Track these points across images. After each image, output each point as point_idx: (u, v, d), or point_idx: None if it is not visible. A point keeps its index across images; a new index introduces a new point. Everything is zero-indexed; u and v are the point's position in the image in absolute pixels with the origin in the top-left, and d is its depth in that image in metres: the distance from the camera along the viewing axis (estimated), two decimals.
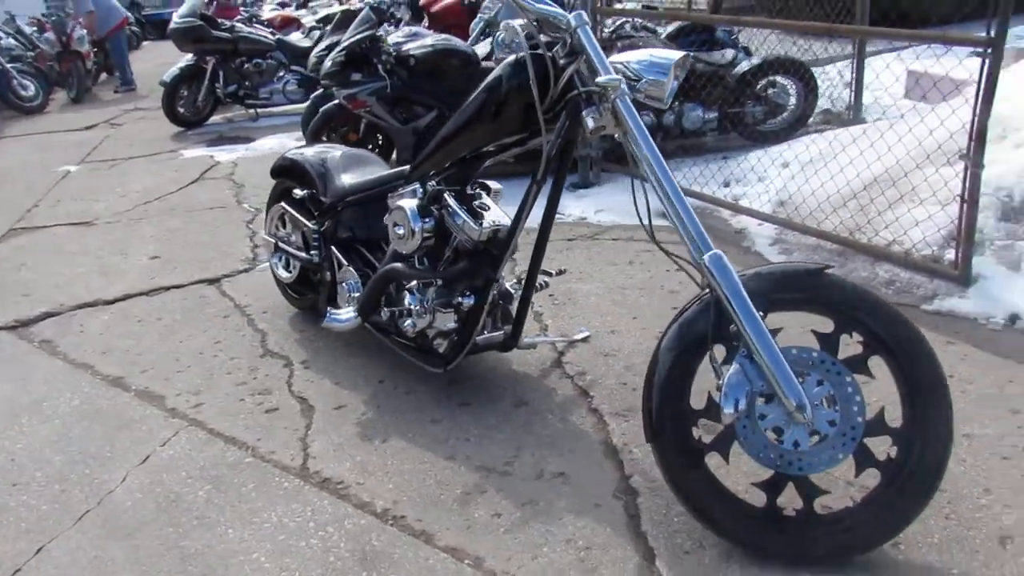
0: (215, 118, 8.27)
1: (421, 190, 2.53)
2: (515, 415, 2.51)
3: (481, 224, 2.37)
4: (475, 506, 2.10)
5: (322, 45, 5.73)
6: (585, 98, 2.09)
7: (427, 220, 2.44)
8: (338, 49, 4.95)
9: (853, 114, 5.47)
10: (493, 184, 2.60)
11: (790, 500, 1.83)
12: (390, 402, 2.64)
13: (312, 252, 2.94)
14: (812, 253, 3.62)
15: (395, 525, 2.05)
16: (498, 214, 2.44)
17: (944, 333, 2.82)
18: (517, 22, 2.22)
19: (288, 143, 6.75)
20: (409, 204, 2.46)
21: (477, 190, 2.53)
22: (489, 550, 1.94)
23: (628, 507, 2.05)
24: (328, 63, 4.94)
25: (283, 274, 3.28)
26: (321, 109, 5.22)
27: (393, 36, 5.01)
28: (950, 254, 3.10)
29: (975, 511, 1.93)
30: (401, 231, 2.48)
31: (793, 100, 5.47)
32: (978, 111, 2.82)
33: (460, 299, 2.44)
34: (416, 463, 2.30)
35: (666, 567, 1.84)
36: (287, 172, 3.20)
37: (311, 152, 3.13)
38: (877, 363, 1.83)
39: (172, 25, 8.05)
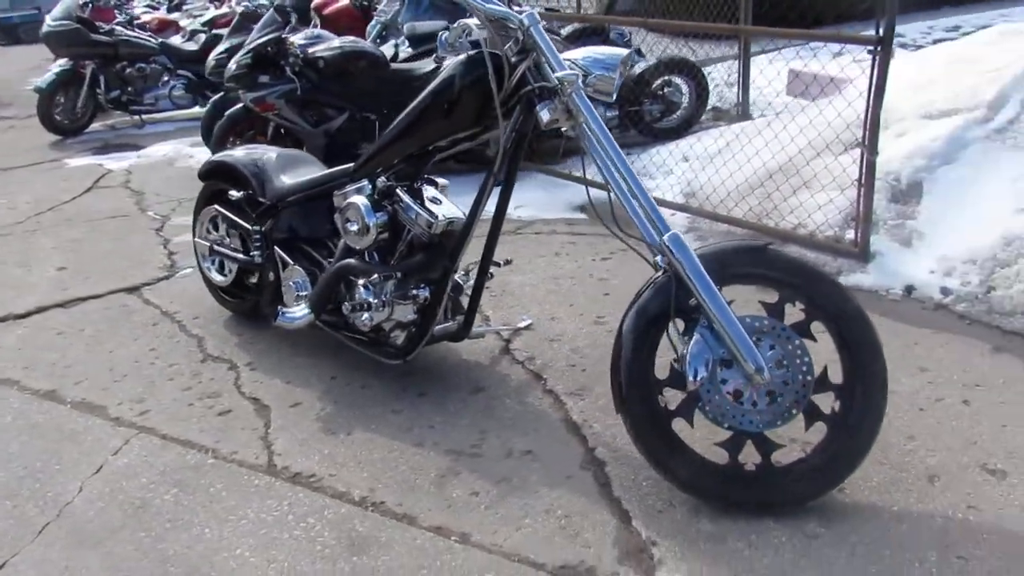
0: (95, 125, 7.87)
1: (370, 186, 2.57)
2: (474, 401, 2.59)
3: (436, 217, 2.45)
4: (452, 487, 2.17)
5: (221, 48, 5.60)
6: (538, 93, 2.21)
7: (380, 215, 2.49)
8: (243, 52, 4.87)
9: (741, 111, 5.85)
10: (440, 179, 2.67)
11: (749, 456, 2.01)
12: (346, 397, 2.66)
13: (253, 253, 2.91)
14: (725, 239, 3.87)
15: (376, 511, 2.10)
16: (450, 207, 2.53)
17: None
18: (471, 20, 2.31)
19: (184, 149, 6.55)
20: (361, 200, 2.50)
21: (426, 185, 2.60)
22: (473, 526, 2.02)
23: (598, 476, 2.18)
24: (233, 66, 4.85)
25: (217, 278, 3.22)
26: (226, 113, 5.11)
27: (297, 38, 4.96)
28: (850, 234, 3.41)
29: (903, 456, 2.17)
30: (354, 227, 2.51)
31: (686, 99, 5.80)
32: (871, 104, 3.13)
33: (416, 291, 2.50)
34: (385, 452, 2.34)
35: (643, 526, 1.97)
36: (218, 174, 3.15)
37: (243, 153, 3.10)
38: (817, 328, 2.03)
39: (46, 28, 7.62)
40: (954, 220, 3.31)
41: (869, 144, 3.17)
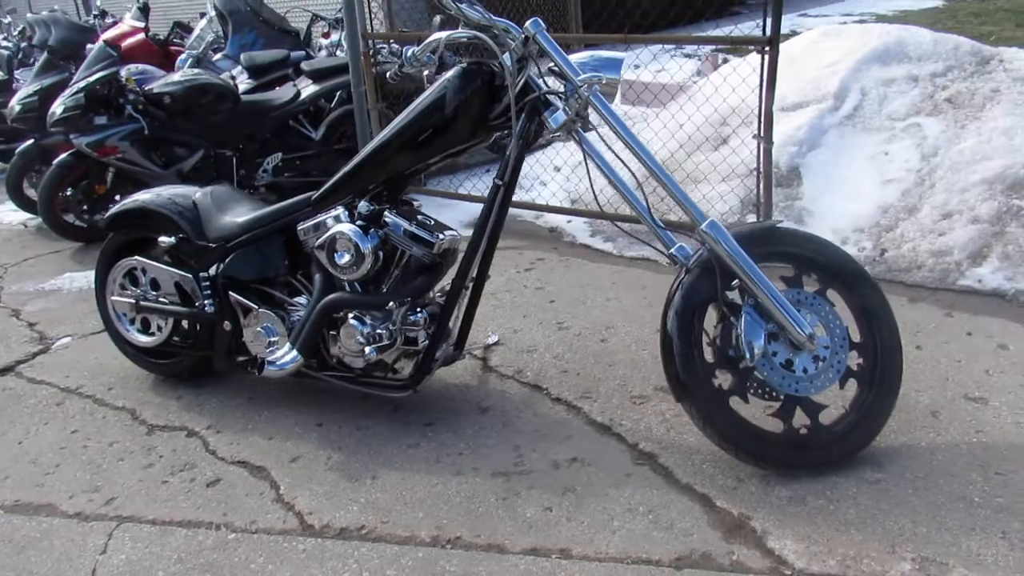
0: None
1: (346, 213, 2.41)
2: (488, 421, 2.51)
3: (438, 237, 2.35)
4: (521, 508, 2.09)
5: (29, 91, 4.91)
6: (543, 100, 2.21)
7: (372, 242, 2.35)
8: (71, 92, 4.33)
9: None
10: (410, 198, 2.57)
11: (799, 421, 2.14)
12: (347, 441, 2.46)
13: (203, 303, 2.60)
14: (632, 236, 4.05)
15: (457, 547, 1.97)
16: (441, 224, 2.44)
17: None
18: (443, 35, 2.26)
19: None
20: (350, 228, 2.34)
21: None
22: (568, 540, 1.96)
23: (656, 469, 2.21)
24: (59, 109, 4.30)
25: (141, 339, 2.83)
26: (55, 162, 4.48)
27: (123, 73, 4.50)
28: (751, 218, 3.73)
29: (901, 400, 2.42)
30: (346, 258, 2.35)
31: None
32: (764, 98, 3.46)
33: (419, 316, 2.38)
34: (427, 488, 2.20)
35: (728, 504, 2.03)
36: (129, 222, 2.78)
37: (167, 195, 2.75)
38: (832, 295, 2.22)
39: None
40: (832, 197, 3.74)
41: (765, 135, 3.49)
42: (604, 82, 2.19)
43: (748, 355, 2.07)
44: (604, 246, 4.00)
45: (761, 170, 3.59)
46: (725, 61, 5.56)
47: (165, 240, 2.64)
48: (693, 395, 2.09)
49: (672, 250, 2.26)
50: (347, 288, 2.44)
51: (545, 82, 2.26)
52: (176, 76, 4.51)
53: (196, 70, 4.77)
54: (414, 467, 2.30)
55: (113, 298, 2.83)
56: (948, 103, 3.80)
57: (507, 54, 2.22)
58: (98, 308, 2.95)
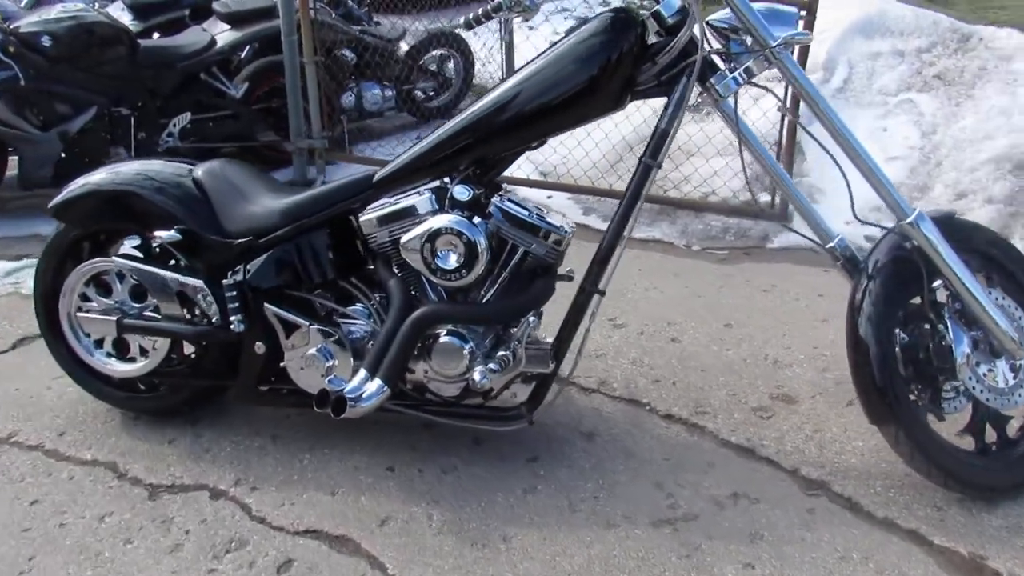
0: None
1: (435, 197, 1.87)
2: (602, 450, 2.07)
3: (565, 230, 1.87)
4: (716, 567, 1.70)
5: None
6: (710, 61, 1.80)
7: (485, 236, 1.82)
8: None
9: None
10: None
11: (990, 436, 1.91)
12: (442, 490, 1.94)
13: (232, 319, 1.93)
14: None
15: None
16: (555, 214, 1.96)
17: (804, 263, 3.20)
18: None
19: None
20: (454, 219, 1.80)
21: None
22: None
23: (836, 500, 1.88)
24: None
25: (119, 367, 2.10)
26: None
27: None
28: (763, 197, 3.50)
29: None
30: (452, 258, 1.80)
31: (456, 75, 5.44)
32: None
33: (539, 332, 1.91)
34: (585, 549, 1.75)
35: (946, 539, 1.75)
36: (98, 211, 2.03)
37: (144, 172, 2.02)
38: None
39: None
40: (838, 174, 3.59)
41: (791, 107, 3.25)
42: (796, 42, 1.80)
43: (951, 365, 1.80)
44: (604, 226, 3.60)
45: (783, 144, 3.37)
46: None
47: (162, 235, 1.94)
48: (899, 418, 1.79)
49: (833, 243, 1.94)
50: (433, 295, 1.91)
51: (707, 39, 1.82)
52: (54, 12, 3.54)
53: (79, 4, 3.78)
54: (548, 521, 1.83)
55: (79, 315, 2.07)
56: (938, 80, 3.76)
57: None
58: (39, 325, 2.16)
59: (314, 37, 3.92)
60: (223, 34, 4.05)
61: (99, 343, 2.12)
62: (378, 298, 1.98)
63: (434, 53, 5.21)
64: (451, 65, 5.38)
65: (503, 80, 1.87)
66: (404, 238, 1.84)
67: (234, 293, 1.93)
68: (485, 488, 1.94)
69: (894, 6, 4.10)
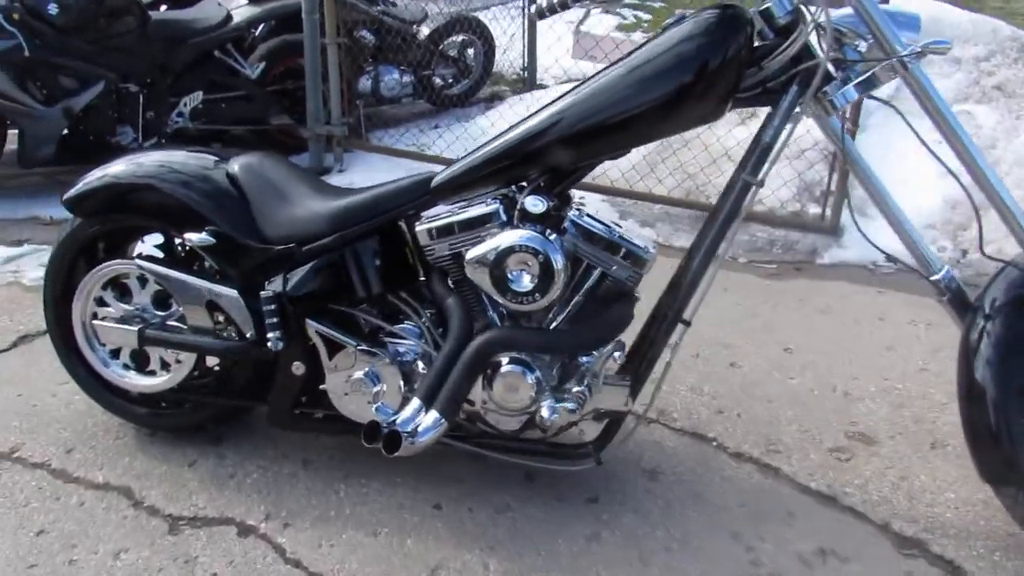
0: None
1: (503, 208, 1.66)
2: (669, 491, 1.88)
3: (648, 250, 1.67)
4: None
5: None
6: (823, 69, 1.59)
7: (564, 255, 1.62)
8: None
9: (528, 77, 5.43)
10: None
11: None
12: (498, 533, 1.74)
13: (271, 334, 1.71)
14: (665, 222, 3.50)
15: None
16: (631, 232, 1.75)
17: (858, 282, 3.02)
18: None
19: None
20: (530, 236, 1.59)
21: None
22: None
23: (935, 563, 1.69)
24: None
25: (139, 381, 1.89)
26: None
27: None
28: (812, 209, 3.31)
29: None
30: (526, 279, 1.60)
31: (476, 62, 5.20)
32: None
33: (617, 363, 1.71)
34: None
35: None
36: (118, 206, 1.81)
37: (183, 163, 1.80)
38: None
39: None
40: (892, 187, 3.39)
41: (852, 116, 3.06)
42: (932, 51, 1.59)
43: None
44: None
45: (840, 154, 3.16)
46: None
47: (193, 237, 1.72)
48: (1021, 477, 1.61)
49: (939, 276, 1.75)
50: (495, 317, 1.70)
51: (820, 43, 1.62)
52: None
53: None
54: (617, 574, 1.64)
55: (96, 323, 1.84)
56: (998, 91, 3.57)
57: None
58: (48, 329, 1.94)
59: (337, 16, 3.68)
60: (240, 9, 3.81)
61: (115, 353, 1.90)
62: (429, 315, 1.77)
63: (455, 38, 4.98)
64: (471, 51, 5.14)
65: (587, 79, 1.66)
66: (470, 254, 1.63)
67: (273, 307, 1.71)
68: (544, 533, 1.75)
69: (949, 12, 3.90)
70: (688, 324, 1.70)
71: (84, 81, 3.30)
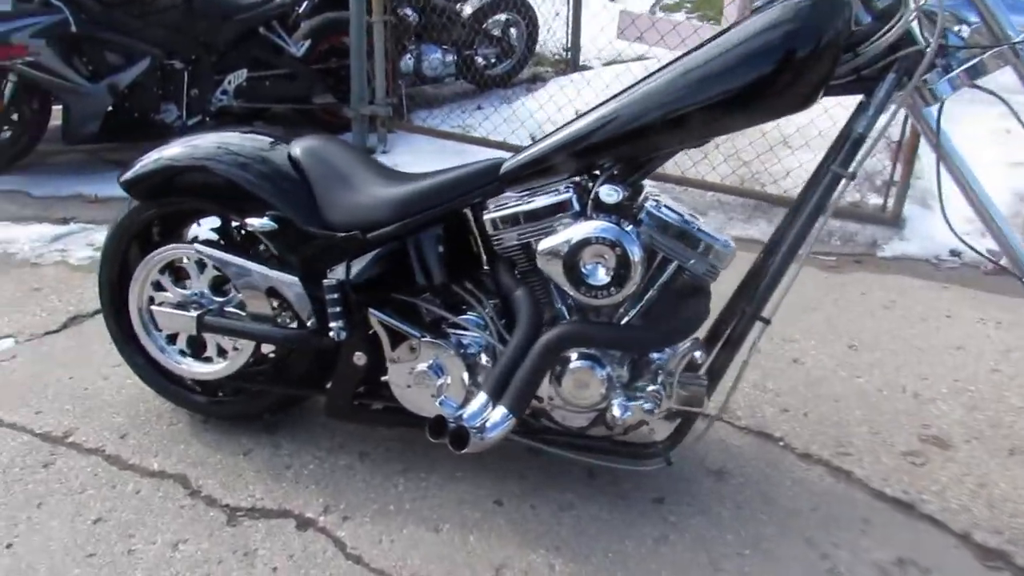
0: None
1: (577, 196, 1.59)
2: (737, 493, 1.81)
3: (728, 244, 1.60)
4: None
5: None
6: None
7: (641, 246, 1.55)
8: None
9: (572, 58, 5.32)
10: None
11: None
12: (563, 532, 1.68)
13: (334, 324, 1.66)
14: (718, 210, 3.41)
15: None
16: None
17: (921, 277, 2.92)
18: None
19: None
20: (606, 226, 1.52)
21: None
22: None
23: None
24: None
25: (201, 368, 1.85)
26: None
27: None
28: (872, 199, 3.20)
29: None
30: (601, 272, 1.53)
31: (520, 41, 5.11)
32: None
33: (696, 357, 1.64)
34: None
35: None
36: (181, 187, 1.76)
37: (240, 145, 1.75)
38: None
39: None
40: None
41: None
42: None
43: None
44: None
45: (903, 142, 3.05)
46: None
47: (255, 222, 1.67)
48: None
49: None
50: (564, 311, 1.64)
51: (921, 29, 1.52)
52: None
53: None
54: None
55: (155, 308, 1.81)
56: None
57: None
58: (103, 313, 1.91)
59: None
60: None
61: (172, 339, 1.86)
62: (492, 305, 1.71)
63: (499, 17, 4.88)
64: (515, 31, 5.05)
65: (667, 64, 1.57)
66: (542, 244, 1.56)
67: (336, 295, 1.66)
68: (610, 533, 1.69)
69: None
70: (768, 322, 1.62)
71: (130, 57, 3.26)
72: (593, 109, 1.61)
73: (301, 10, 3.98)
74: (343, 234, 1.67)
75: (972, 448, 2.00)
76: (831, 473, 1.90)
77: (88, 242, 2.92)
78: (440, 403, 1.66)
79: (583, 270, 1.54)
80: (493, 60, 4.96)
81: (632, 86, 1.58)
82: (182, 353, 1.87)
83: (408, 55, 4.45)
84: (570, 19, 5.21)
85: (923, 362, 2.36)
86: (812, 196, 1.58)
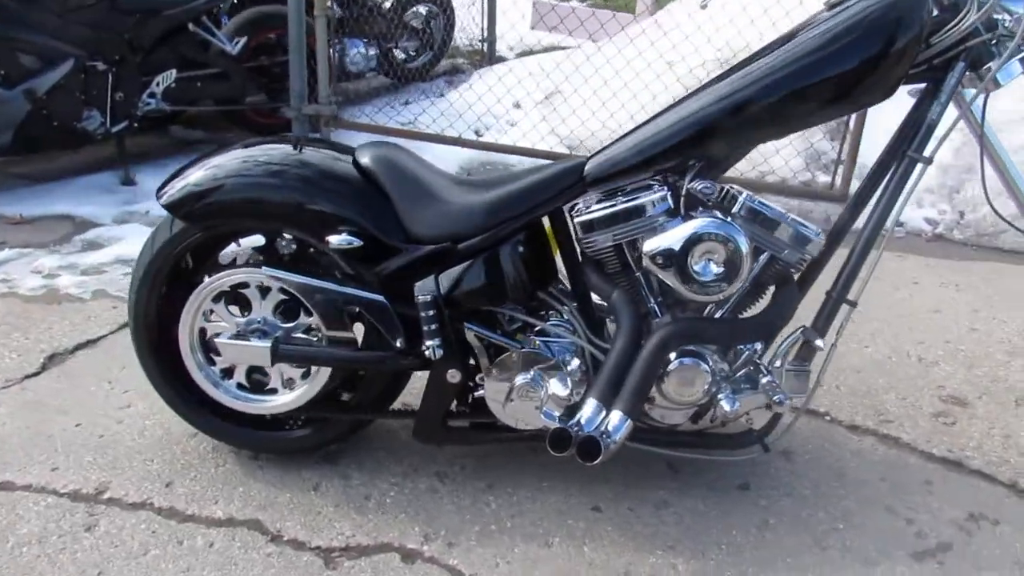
0: None
1: (670, 192, 1.58)
2: (811, 470, 1.88)
3: (818, 233, 1.65)
4: None
5: None
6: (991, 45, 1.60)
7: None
8: None
9: (488, 50, 5.26)
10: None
11: None
12: (668, 532, 1.68)
13: (429, 342, 1.56)
14: None
15: None
16: None
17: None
18: None
19: None
20: (715, 222, 1.53)
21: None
22: None
23: None
24: None
25: (273, 401, 1.68)
26: None
27: None
28: (822, 178, 3.39)
29: None
30: (713, 268, 1.54)
31: (438, 34, 4.99)
32: None
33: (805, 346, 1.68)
34: None
35: None
36: (237, 208, 1.59)
37: (298, 158, 1.60)
38: None
39: None
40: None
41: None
42: None
43: None
44: None
45: (850, 125, 3.25)
46: None
47: (336, 240, 1.54)
48: None
49: None
50: (657, 309, 1.63)
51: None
52: None
53: None
54: (805, 562, 1.62)
55: (219, 340, 1.62)
56: None
57: None
58: (139, 355, 1.71)
59: None
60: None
61: (226, 373, 1.69)
62: (574, 308, 1.68)
63: (420, 9, 4.75)
64: (433, 24, 4.93)
65: (748, 59, 1.59)
66: (649, 244, 1.54)
67: (432, 312, 1.56)
68: (714, 526, 1.71)
69: None
70: (854, 305, 1.69)
71: (49, 59, 2.91)
72: (677, 104, 1.60)
73: (223, 5, 3.69)
74: (432, 247, 1.58)
75: (985, 403, 2.18)
76: (881, 441, 2.01)
77: (33, 268, 2.59)
78: (543, 415, 1.61)
79: (694, 267, 1.54)
80: (412, 53, 4.82)
81: (715, 81, 1.59)
82: (240, 387, 1.70)
83: (332, 50, 4.24)
84: (485, 11, 5.15)
85: (914, 328, 2.54)
86: (886, 183, 1.65)
